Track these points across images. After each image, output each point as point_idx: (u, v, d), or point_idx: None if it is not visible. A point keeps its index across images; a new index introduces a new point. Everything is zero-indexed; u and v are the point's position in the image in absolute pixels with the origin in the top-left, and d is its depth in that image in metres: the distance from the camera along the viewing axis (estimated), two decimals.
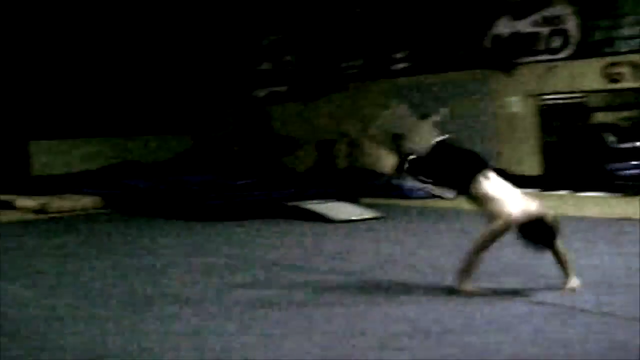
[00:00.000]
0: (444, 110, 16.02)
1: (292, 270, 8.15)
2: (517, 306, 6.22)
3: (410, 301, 6.53)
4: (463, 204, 13.20)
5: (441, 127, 15.98)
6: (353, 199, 13.35)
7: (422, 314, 6.08)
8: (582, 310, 6.02)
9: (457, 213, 12.22)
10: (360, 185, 14.97)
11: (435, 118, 16.11)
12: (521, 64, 15.98)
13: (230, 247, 10.06)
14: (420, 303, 6.45)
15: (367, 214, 12.06)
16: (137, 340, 5.65)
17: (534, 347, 5.17)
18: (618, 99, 15.65)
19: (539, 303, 6.27)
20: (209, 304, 6.71)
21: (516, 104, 16.16)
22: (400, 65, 17.95)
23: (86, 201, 15.02)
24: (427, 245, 9.62)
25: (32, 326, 6.19)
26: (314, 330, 5.75)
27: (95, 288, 7.57)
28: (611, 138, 15.36)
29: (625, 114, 15.77)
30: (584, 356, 4.98)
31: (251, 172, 15.98)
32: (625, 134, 15.37)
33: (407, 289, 7.01)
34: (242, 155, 19.71)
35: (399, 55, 17.96)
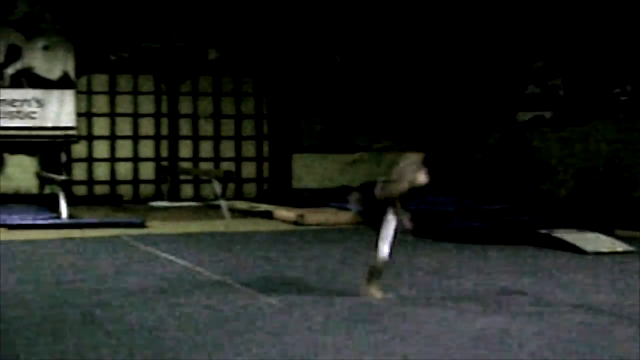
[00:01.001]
0: None
1: (530, 303, 7.98)
2: None
3: None
4: None
5: None
6: (609, 230, 12.83)
7: None
8: None
9: None
10: (619, 216, 14.35)
11: None
12: None
13: (468, 270, 10.04)
14: None
15: (621, 246, 11.56)
16: None
17: None
18: None
19: None
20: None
21: None
22: None
23: (342, 216, 15.36)
24: None
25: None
26: None
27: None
28: None
29: None
30: None
31: (506, 196, 15.80)
32: None
33: None
34: (499, 179, 19.48)
35: None
